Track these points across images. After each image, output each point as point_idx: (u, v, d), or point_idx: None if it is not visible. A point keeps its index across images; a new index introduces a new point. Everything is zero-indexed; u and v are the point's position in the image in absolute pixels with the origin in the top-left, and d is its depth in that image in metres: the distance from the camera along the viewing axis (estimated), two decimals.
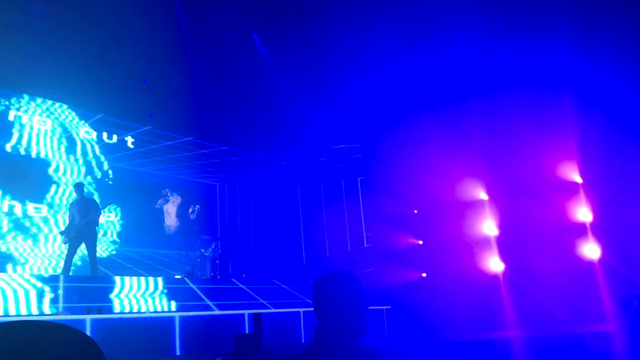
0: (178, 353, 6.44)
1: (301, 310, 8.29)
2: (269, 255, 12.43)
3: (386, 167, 10.77)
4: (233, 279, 10.04)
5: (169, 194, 12.71)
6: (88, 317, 5.85)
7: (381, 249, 10.89)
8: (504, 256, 9.13)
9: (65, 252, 8.72)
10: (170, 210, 12.63)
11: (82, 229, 8.72)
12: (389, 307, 9.69)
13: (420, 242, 10.51)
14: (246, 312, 7.52)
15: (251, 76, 11.53)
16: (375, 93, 10.59)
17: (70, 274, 8.43)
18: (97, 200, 9.56)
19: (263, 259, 12.07)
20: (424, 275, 10.29)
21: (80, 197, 8.90)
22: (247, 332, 7.08)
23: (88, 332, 5.62)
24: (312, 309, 2.25)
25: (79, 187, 9.00)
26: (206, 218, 13.16)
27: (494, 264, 9.13)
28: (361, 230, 12.03)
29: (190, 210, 12.82)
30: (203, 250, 11.31)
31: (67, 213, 9.12)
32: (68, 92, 9.81)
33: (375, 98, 10.62)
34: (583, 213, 8.34)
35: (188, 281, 8.78)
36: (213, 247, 11.34)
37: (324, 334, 2.13)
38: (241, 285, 9.56)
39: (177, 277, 9.48)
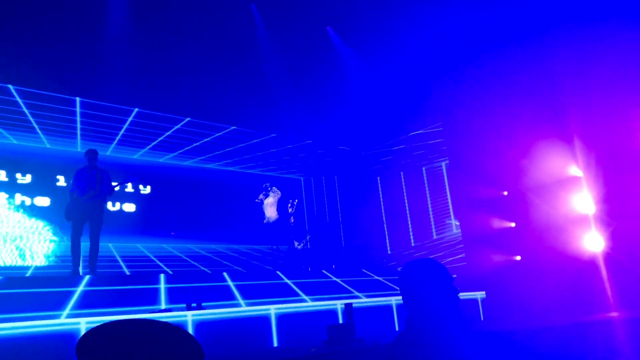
0: (275, 345, 6.64)
1: (393, 299, 8.29)
2: (356, 246, 12.50)
3: (472, 149, 10.50)
4: (324, 271, 10.18)
5: (269, 188, 13.04)
6: (189, 313, 6.17)
7: (472, 234, 10.65)
8: (603, 234, 8.67)
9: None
10: (271, 204, 12.96)
11: (87, 203, 7.59)
12: (484, 292, 9.47)
13: (513, 225, 10.18)
14: (338, 302, 7.62)
15: (326, 69, 11.62)
16: (456, 72, 10.34)
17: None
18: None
19: (351, 250, 12.14)
20: (518, 258, 9.97)
21: (91, 165, 7.78)
22: (340, 322, 7.18)
23: (189, 327, 5.93)
24: (400, 297, 2.25)
25: (92, 154, 7.85)
26: (295, 212, 13.41)
27: (592, 243, 8.70)
28: (447, 216, 11.80)
29: (289, 204, 13.11)
30: (297, 243, 11.54)
31: (72, 182, 7.81)
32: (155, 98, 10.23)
33: (457, 77, 10.36)
34: None
35: (281, 274, 9.01)
36: (304, 240, 11.55)
37: (414, 323, 2.13)
38: (332, 277, 9.69)
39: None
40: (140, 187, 11.73)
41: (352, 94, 11.99)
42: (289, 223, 12.67)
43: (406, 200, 12.70)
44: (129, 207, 11.31)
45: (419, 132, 12.19)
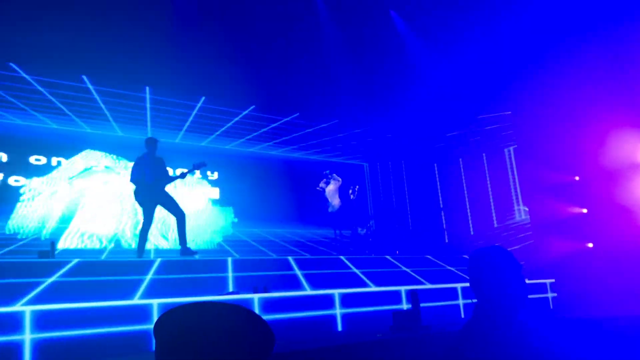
0: (339, 329, 6.71)
1: (458, 285, 8.18)
2: (419, 233, 12.38)
3: (542, 135, 10.16)
4: (387, 256, 10.16)
5: (330, 175, 13.13)
6: (255, 296, 6.32)
7: (541, 220, 10.33)
8: None
9: (141, 220, 8.05)
10: (333, 192, 13.04)
11: (148, 190, 7.87)
12: (553, 280, 9.19)
13: (585, 211, 9.80)
14: (403, 288, 7.60)
15: (390, 54, 11.49)
16: (527, 57, 9.99)
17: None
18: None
19: (414, 236, 12.04)
20: (590, 245, 9.60)
21: (150, 153, 8.11)
22: (404, 308, 7.17)
23: (255, 310, 6.07)
24: (468, 284, 2.23)
25: (151, 142, 8.18)
26: (358, 198, 13.41)
27: None
28: (510, 203, 11.49)
29: (350, 190, 13.14)
30: (360, 229, 11.57)
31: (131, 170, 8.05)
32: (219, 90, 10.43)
33: (528, 62, 10.01)
34: None
35: (345, 260, 9.06)
36: (367, 226, 11.57)
37: (482, 311, 2.11)
38: (396, 262, 9.65)
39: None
40: (208, 173, 12.08)
41: (416, 79, 11.81)
42: (350, 209, 12.68)
43: (465, 188, 12.45)
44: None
45: (486, 116, 11.87)
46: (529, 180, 10.87)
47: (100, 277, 6.26)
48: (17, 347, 4.72)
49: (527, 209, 10.95)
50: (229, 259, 7.81)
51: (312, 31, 10.83)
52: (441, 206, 12.71)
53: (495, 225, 11.78)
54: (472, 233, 12.15)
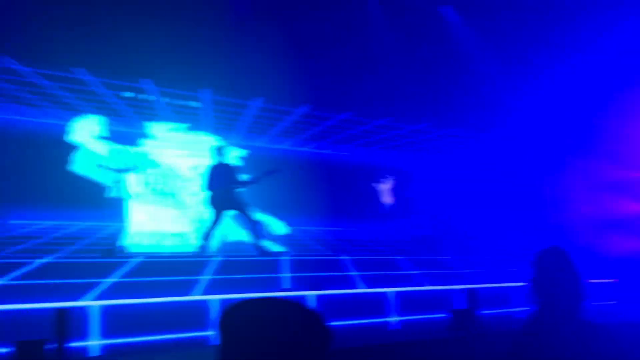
0: (395, 328, 6.69)
1: (514, 285, 7.99)
2: (479, 232, 12.12)
3: (604, 130, 9.78)
4: (445, 256, 10.04)
5: (383, 176, 13.06)
6: (311, 293, 6.38)
7: (603, 218, 9.95)
8: None
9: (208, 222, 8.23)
10: (385, 190, 12.99)
11: (226, 196, 8.08)
12: (616, 280, 8.83)
13: None
14: (460, 287, 7.49)
15: (442, 49, 11.32)
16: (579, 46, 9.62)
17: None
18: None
19: (475, 235, 11.81)
20: None
21: (223, 160, 8.30)
22: (462, 307, 7.06)
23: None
24: (526, 283, 2.22)
25: (222, 149, 8.37)
26: (417, 197, 13.28)
27: None
28: (577, 199, 11.09)
29: (400, 189, 13.04)
30: (418, 228, 11.45)
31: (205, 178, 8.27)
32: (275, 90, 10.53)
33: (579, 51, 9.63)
34: None
35: (400, 259, 9.00)
36: (426, 224, 11.45)
37: (542, 311, 2.10)
38: (454, 261, 9.52)
39: None
40: None
41: (470, 74, 11.57)
42: (405, 208, 12.58)
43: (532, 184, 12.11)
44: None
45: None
46: (589, 177, 10.50)
47: (162, 274, 6.47)
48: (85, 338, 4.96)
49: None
50: (285, 257, 7.92)
51: (370, 35, 10.84)
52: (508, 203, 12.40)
53: (562, 221, 11.41)
54: (539, 229, 11.80)
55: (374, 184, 12.74)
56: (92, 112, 10.50)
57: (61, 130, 10.38)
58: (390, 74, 11.23)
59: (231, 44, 9.33)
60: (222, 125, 11.27)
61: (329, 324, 1.27)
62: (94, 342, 5.03)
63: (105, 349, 5.03)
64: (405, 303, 6.88)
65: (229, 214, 8.47)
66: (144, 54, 8.89)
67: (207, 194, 8.16)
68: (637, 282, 8.71)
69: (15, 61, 8.69)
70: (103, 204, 9.93)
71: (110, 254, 7.35)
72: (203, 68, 9.38)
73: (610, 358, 1.98)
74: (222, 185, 8.06)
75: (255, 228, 8.27)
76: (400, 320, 6.74)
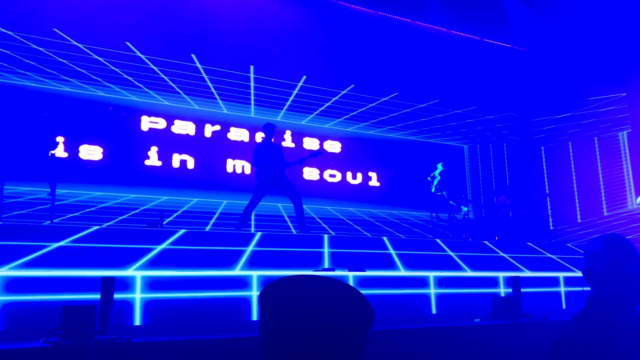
0: (434, 312, 6.63)
1: (560, 274, 7.78)
2: (521, 219, 11.87)
3: None
4: (485, 242, 9.86)
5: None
6: (351, 274, 6.37)
7: None
8: None
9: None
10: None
11: (269, 174, 8.15)
12: None
13: None
14: (501, 274, 7.35)
15: (494, 26, 11.07)
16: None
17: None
18: None
19: (517, 221, 11.56)
20: None
21: (269, 138, 8.41)
22: (502, 295, 6.93)
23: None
24: (572, 273, 2.13)
25: (270, 127, 8.43)
26: (457, 181, 13.06)
27: None
28: (623, 191, 10.70)
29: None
30: (457, 214, 11.30)
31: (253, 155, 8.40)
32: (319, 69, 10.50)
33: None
34: None
35: (441, 243, 8.89)
36: (464, 210, 11.28)
37: (597, 301, 2.00)
38: (494, 248, 9.35)
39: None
40: None
41: (522, 55, 11.27)
42: (449, 193, 12.32)
43: (574, 173, 11.73)
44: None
45: (599, 97, 11.10)
46: None
47: (203, 247, 6.58)
48: (129, 307, 5.09)
49: (639, 197, 10.20)
50: (325, 236, 7.92)
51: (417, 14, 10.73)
52: (547, 192, 12.08)
53: (605, 213, 11.07)
54: (579, 221, 11.49)
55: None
56: None
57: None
58: (437, 55, 11.06)
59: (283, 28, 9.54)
60: (264, 102, 11.32)
61: (370, 303, 1.23)
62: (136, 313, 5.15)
63: (147, 317, 5.14)
64: (444, 287, 6.80)
65: (273, 194, 8.57)
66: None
67: (256, 168, 8.31)
68: None
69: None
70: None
71: (155, 224, 7.52)
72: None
73: None
74: (270, 162, 8.19)
75: (298, 209, 8.31)
76: (438, 305, 6.66)
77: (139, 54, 9.51)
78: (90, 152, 10.06)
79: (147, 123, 10.81)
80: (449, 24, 11.41)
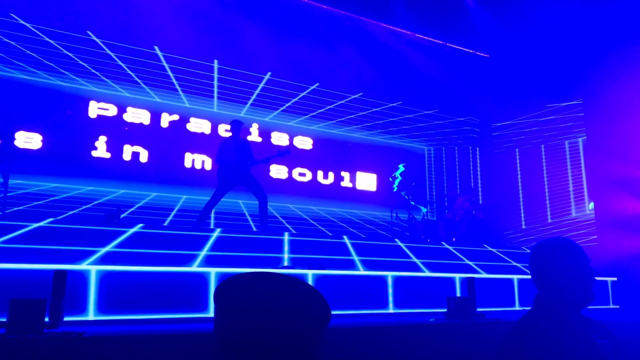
0: (391, 311, 6.70)
1: (515, 277, 7.99)
2: (481, 220, 12.12)
3: (615, 126, 9.70)
4: (443, 242, 10.02)
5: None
6: (310, 272, 6.38)
7: (609, 216, 9.91)
8: None
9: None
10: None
11: (233, 172, 8.08)
12: (615, 279, 8.82)
13: None
14: (457, 275, 7.49)
15: (458, 30, 11.27)
16: (603, 45, 9.52)
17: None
18: None
19: (475, 223, 11.79)
20: None
21: (235, 135, 8.31)
22: (458, 295, 7.07)
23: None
24: (527, 276, 2.18)
25: (237, 124, 8.33)
26: (417, 182, 13.23)
27: None
28: (567, 199, 11.07)
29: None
30: (417, 215, 11.45)
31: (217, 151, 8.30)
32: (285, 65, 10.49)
33: (604, 50, 9.53)
34: None
35: (400, 243, 9.00)
36: (423, 211, 11.44)
37: (543, 303, 2.06)
38: (451, 249, 9.51)
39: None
40: None
41: (485, 61, 11.50)
42: (409, 194, 12.46)
43: (519, 179, 12.06)
44: None
45: (559, 104, 11.43)
46: (597, 173, 10.43)
47: (160, 244, 6.48)
48: (83, 300, 4.98)
49: (592, 203, 10.54)
50: (286, 235, 7.91)
51: (383, 16, 10.80)
52: (520, 193, 12.38)
53: (549, 220, 11.41)
54: (523, 227, 11.81)
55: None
56: None
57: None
58: (403, 56, 11.18)
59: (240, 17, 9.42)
60: (228, 97, 11.22)
61: (326, 301, 1.24)
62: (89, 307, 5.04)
63: (101, 308, 5.04)
64: (402, 287, 6.89)
65: (237, 191, 8.53)
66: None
67: (219, 166, 8.19)
68: (637, 282, 8.70)
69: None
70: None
71: (112, 218, 7.36)
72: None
73: (610, 354, 1.95)
74: (234, 160, 8.09)
75: (262, 207, 8.26)
76: (396, 304, 6.75)
77: (97, 40, 9.31)
78: (28, 140, 9.34)
79: (95, 109, 10.16)
80: (414, 27, 11.58)
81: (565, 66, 10.33)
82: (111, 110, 10.33)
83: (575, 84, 10.59)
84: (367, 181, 12.90)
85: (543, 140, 11.89)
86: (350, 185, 12.65)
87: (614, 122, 9.79)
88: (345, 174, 12.62)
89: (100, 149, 10.03)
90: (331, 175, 12.43)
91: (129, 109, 10.51)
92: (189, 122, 11.11)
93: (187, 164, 10.93)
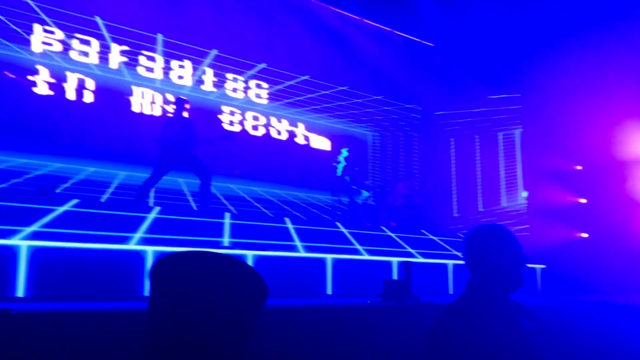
0: (329, 293, 6.79)
1: (450, 262, 8.25)
2: (419, 206, 12.39)
3: (549, 120, 10.11)
4: (382, 227, 10.21)
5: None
6: (250, 253, 6.37)
7: (540, 206, 10.36)
8: None
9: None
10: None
11: (178, 151, 7.84)
12: (544, 266, 9.26)
13: (584, 201, 9.81)
14: (395, 259, 7.66)
15: (402, 16, 11.41)
16: (541, 40, 9.85)
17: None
18: None
19: (414, 209, 12.06)
20: (586, 235, 9.64)
21: (179, 113, 8.03)
22: (395, 278, 7.24)
23: None
24: (462, 262, 2.24)
25: (181, 102, 8.07)
26: (359, 167, 13.34)
27: None
28: (498, 189, 11.52)
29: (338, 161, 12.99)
30: (359, 198, 11.58)
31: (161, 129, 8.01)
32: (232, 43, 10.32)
33: (541, 45, 9.87)
34: None
35: (340, 225, 9.10)
36: (365, 195, 11.59)
37: (475, 287, 2.12)
38: (390, 234, 9.71)
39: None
40: None
41: (430, 50, 11.71)
42: (351, 178, 12.56)
43: (478, 164, 12.42)
44: None
45: (497, 96, 11.78)
46: (531, 164, 10.87)
47: (95, 222, 6.30)
48: (12, 277, 4.80)
49: (526, 192, 10.98)
50: (227, 215, 7.85)
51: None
52: (453, 181, 12.70)
53: (480, 209, 11.82)
54: (455, 214, 12.20)
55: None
56: None
57: None
58: (350, 40, 11.21)
59: None
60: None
61: (264, 280, 1.24)
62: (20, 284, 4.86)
63: (31, 285, 4.87)
64: (341, 270, 6.99)
65: (179, 170, 8.31)
66: None
67: (162, 144, 7.89)
68: (566, 270, 9.13)
69: None
70: None
71: (45, 191, 7.06)
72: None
73: (537, 338, 2.04)
74: (178, 141, 7.84)
75: (204, 186, 8.09)
76: (334, 286, 6.84)
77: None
78: None
79: (40, 38, 9.10)
80: (362, 12, 11.62)
81: (506, 59, 10.65)
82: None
83: (514, 78, 10.94)
84: (321, 142, 12.80)
85: (478, 131, 12.27)
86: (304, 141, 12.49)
87: (549, 116, 10.18)
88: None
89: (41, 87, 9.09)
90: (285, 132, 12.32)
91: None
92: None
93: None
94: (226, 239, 7.14)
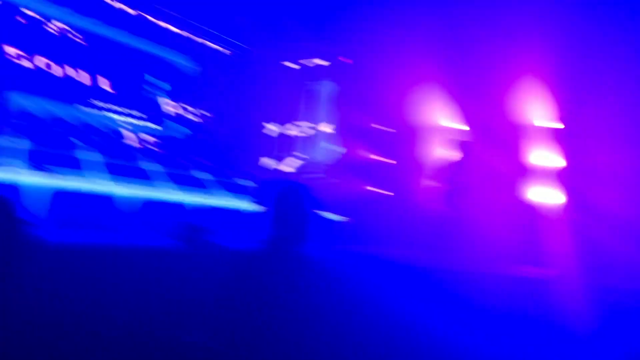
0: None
1: (244, 206, 8.09)
2: (224, 149, 12.12)
3: (363, 78, 10.37)
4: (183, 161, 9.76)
5: None
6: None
7: (350, 162, 10.75)
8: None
9: None
10: None
11: None
12: (347, 219, 9.53)
13: (394, 162, 10.33)
14: (189, 197, 7.33)
15: None
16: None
17: None
18: None
19: (217, 150, 11.80)
20: (392, 194, 10.13)
21: None
22: (188, 219, 7.00)
23: None
24: (259, 209, 2.28)
25: None
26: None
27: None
28: (331, 140, 11.81)
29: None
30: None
31: None
32: None
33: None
34: (546, 158, 8.37)
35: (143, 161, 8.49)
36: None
37: (271, 238, 2.22)
38: (189, 171, 9.33)
39: None
40: None
41: None
42: None
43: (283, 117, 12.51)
44: None
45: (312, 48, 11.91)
46: (341, 120, 11.21)
47: None
48: None
49: (337, 148, 11.29)
50: None
51: None
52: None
53: (309, 158, 12.07)
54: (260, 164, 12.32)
55: None
56: None
57: None
58: None
59: None
60: None
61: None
62: None
63: None
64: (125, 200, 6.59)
65: None
66: None
67: None
68: (364, 224, 9.53)
69: None
70: None
71: None
72: None
73: (323, 286, 2.17)
74: None
75: None
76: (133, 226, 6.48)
77: None
78: None
79: None
80: None
81: (324, 15, 10.65)
82: None
83: (329, 33, 11.05)
84: None
85: (289, 80, 12.35)
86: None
87: (358, 75, 10.49)
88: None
89: None
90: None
91: None
92: None
93: None
94: None
